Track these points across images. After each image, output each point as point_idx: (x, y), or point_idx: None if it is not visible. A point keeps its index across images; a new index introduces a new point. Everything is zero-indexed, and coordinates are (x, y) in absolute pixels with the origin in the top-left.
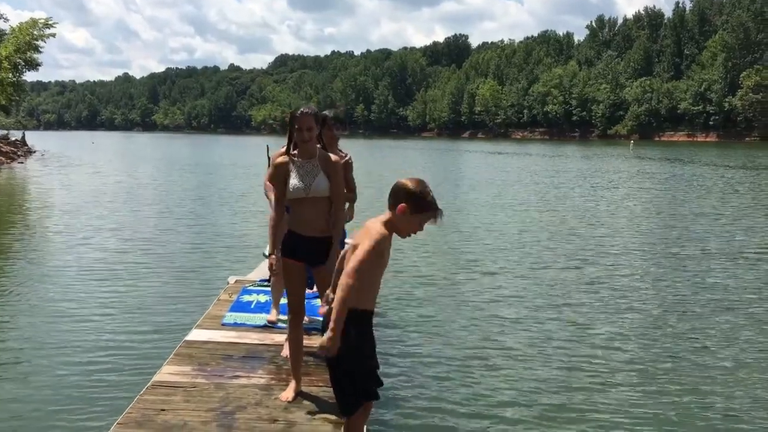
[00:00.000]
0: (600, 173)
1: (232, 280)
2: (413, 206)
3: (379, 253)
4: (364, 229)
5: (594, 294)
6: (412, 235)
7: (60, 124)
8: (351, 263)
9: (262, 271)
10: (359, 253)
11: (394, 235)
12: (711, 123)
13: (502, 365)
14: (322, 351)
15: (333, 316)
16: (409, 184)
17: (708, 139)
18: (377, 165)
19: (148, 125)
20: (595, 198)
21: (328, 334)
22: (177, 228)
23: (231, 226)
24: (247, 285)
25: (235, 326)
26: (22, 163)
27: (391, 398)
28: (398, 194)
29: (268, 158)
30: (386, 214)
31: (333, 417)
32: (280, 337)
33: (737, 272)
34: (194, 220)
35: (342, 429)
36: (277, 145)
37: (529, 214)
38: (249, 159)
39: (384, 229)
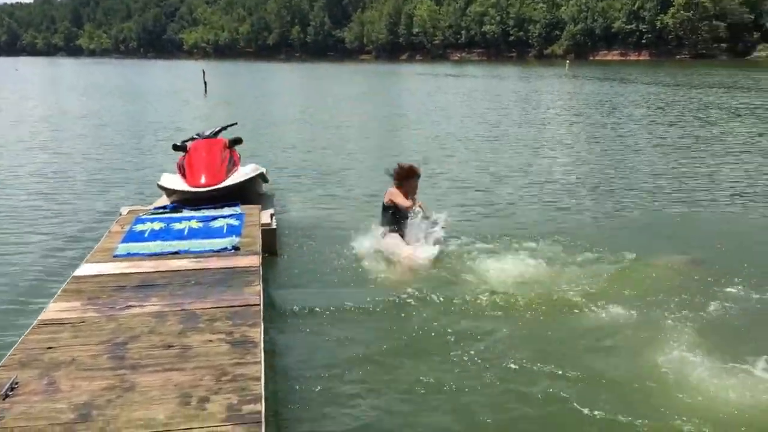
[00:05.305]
0: (542, 94)
1: (124, 210)
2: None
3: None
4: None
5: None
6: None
7: None
8: None
9: (159, 203)
10: None
11: None
12: (643, 41)
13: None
14: None
15: None
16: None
17: (640, 58)
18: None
19: (72, 50)
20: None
21: None
22: (73, 161)
23: (132, 157)
24: (140, 214)
25: (129, 257)
26: None
27: None
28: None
29: (205, 83)
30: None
31: (229, 338)
32: (177, 263)
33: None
34: (94, 153)
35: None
36: (213, 70)
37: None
38: (181, 85)
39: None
